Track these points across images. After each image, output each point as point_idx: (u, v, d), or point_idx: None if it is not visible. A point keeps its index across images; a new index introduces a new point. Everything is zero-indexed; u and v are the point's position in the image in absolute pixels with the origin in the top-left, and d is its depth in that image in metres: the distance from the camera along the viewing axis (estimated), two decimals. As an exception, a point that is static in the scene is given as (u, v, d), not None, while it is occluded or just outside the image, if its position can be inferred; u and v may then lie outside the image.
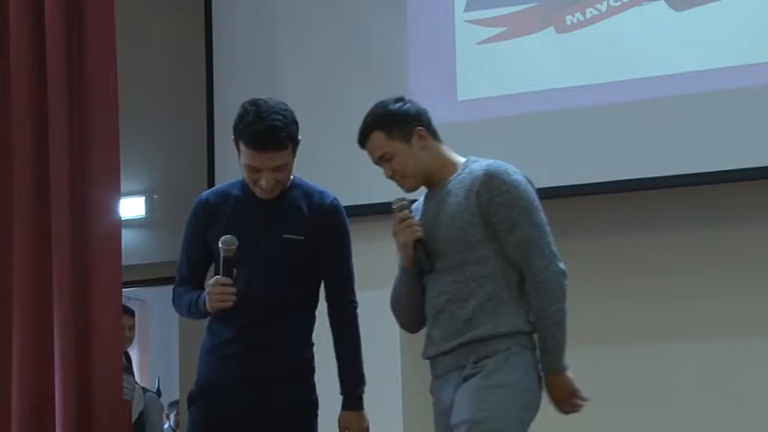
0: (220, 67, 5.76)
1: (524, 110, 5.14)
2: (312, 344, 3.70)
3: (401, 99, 3.48)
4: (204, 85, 5.84)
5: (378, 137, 3.42)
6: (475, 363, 3.28)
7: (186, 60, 6.16)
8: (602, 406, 5.07)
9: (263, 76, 5.59)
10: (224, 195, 3.71)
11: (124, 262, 4.82)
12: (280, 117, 3.52)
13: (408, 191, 3.47)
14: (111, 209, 4.82)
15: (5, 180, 4.84)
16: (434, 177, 3.44)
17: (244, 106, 3.57)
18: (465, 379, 3.28)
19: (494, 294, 3.31)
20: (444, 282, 3.36)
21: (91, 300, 4.77)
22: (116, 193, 4.85)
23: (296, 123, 3.58)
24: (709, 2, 4.89)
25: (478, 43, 5.25)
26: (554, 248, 3.33)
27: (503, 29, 5.23)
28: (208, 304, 3.52)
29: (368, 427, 3.64)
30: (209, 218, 3.67)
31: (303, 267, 3.62)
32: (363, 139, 3.45)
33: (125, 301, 5.34)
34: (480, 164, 3.40)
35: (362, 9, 5.52)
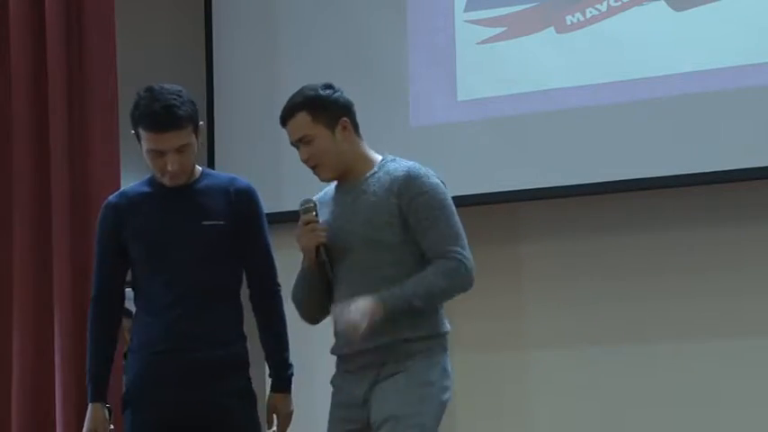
0: (220, 67, 5.75)
1: (524, 110, 5.13)
2: (245, 337, 3.69)
3: (330, 86, 3.47)
4: (204, 85, 5.84)
5: (302, 118, 3.40)
6: (395, 362, 3.30)
7: (186, 60, 6.15)
8: (602, 406, 5.08)
9: (263, 76, 5.59)
10: (133, 195, 3.70)
11: (124, 262, 4.81)
12: (174, 96, 3.53)
13: (323, 179, 3.45)
14: (112, 209, 4.81)
15: (5, 180, 4.85)
16: (350, 171, 3.43)
17: (138, 93, 3.59)
18: (384, 377, 3.31)
19: None
20: (357, 281, 3.35)
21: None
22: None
23: (193, 104, 3.57)
24: (710, 2, 4.88)
25: (478, 43, 5.24)
26: (466, 248, 3.35)
27: (503, 29, 5.22)
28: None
29: (292, 411, 3.66)
30: (121, 220, 3.65)
31: (225, 252, 3.61)
32: (287, 117, 3.42)
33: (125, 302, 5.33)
34: (399, 164, 3.42)
35: (362, 9, 5.51)
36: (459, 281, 3.32)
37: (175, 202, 3.61)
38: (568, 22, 5.12)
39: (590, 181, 5.01)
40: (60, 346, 4.68)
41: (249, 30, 5.74)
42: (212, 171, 3.72)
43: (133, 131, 3.62)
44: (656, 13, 4.96)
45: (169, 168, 3.53)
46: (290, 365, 3.70)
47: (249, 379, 3.68)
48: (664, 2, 4.96)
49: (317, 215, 3.42)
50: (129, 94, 5.29)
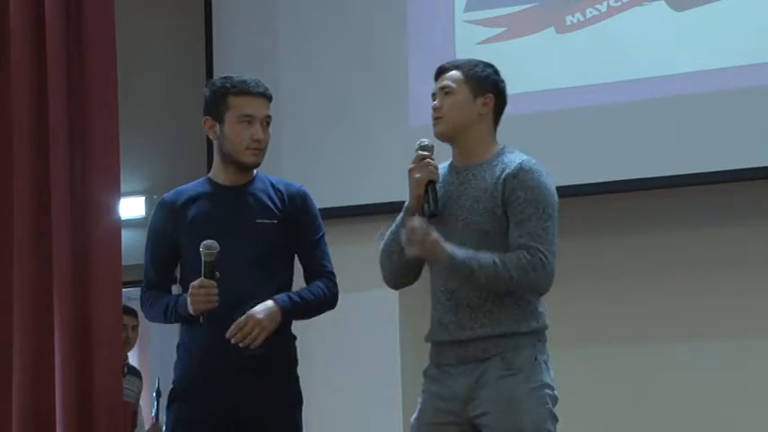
0: (220, 67, 5.75)
1: (524, 110, 5.12)
2: (294, 336, 3.70)
3: (498, 73, 3.55)
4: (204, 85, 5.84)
5: (456, 73, 3.50)
6: (501, 359, 3.30)
7: (186, 60, 6.16)
8: (602, 405, 5.08)
9: (263, 77, 5.51)
10: (188, 193, 3.72)
11: (124, 262, 4.82)
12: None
13: (437, 133, 3.44)
14: (111, 209, 4.82)
15: (5, 180, 4.84)
16: (464, 147, 3.45)
17: (213, 82, 3.73)
18: (495, 377, 3.29)
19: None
20: None
21: (91, 300, 4.77)
22: (116, 193, 4.86)
23: None
24: (710, 2, 4.89)
25: (478, 43, 5.24)
26: (553, 253, 3.31)
27: (503, 29, 5.23)
28: (191, 306, 3.49)
29: (264, 325, 3.50)
30: (175, 216, 3.67)
31: (277, 251, 3.63)
32: (446, 70, 3.52)
33: (125, 302, 5.33)
34: (515, 156, 3.45)
35: (362, 9, 5.51)
36: (533, 278, 3.29)
37: (231, 200, 3.66)
38: (568, 23, 5.12)
39: (590, 181, 5.01)
40: (60, 346, 4.68)
41: (249, 30, 5.74)
42: (266, 175, 3.76)
43: (207, 116, 3.67)
44: (656, 13, 4.96)
45: (258, 137, 3.61)
46: (301, 308, 3.60)
47: (297, 379, 3.69)
48: (664, 2, 4.96)
49: (432, 157, 3.41)
50: (129, 94, 5.32)
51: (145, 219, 6.34)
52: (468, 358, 3.33)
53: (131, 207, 6.22)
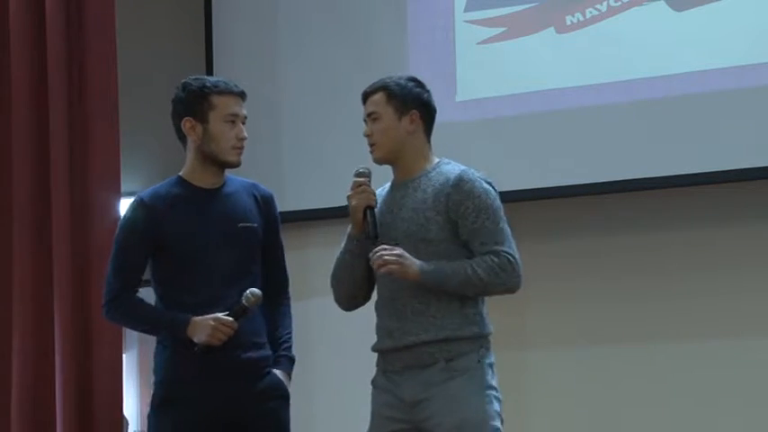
0: (220, 67, 5.75)
1: (524, 110, 5.13)
2: None
3: (420, 84, 3.57)
4: (204, 85, 5.83)
5: (379, 96, 3.50)
6: (446, 362, 3.33)
7: (186, 60, 6.15)
8: (602, 405, 5.08)
9: (263, 77, 5.59)
10: (166, 195, 3.69)
11: (124, 262, 4.81)
12: None
13: (375, 160, 3.52)
14: (111, 209, 4.83)
15: (5, 180, 4.85)
16: (403, 165, 3.51)
17: (188, 83, 3.69)
18: (441, 380, 3.33)
19: (455, 295, 3.37)
20: None
21: (91, 300, 4.78)
22: (116, 193, 4.86)
23: None
24: (710, 2, 4.89)
25: (478, 43, 5.24)
26: (516, 251, 3.42)
27: (503, 29, 5.22)
28: (202, 335, 3.49)
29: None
30: (156, 221, 3.63)
31: (256, 254, 3.67)
32: (369, 93, 3.53)
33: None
34: (453, 167, 3.49)
35: (362, 9, 5.51)
36: (504, 278, 3.37)
37: (210, 204, 3.66)
38: (568, 23, 5.12)
39: (589, 181, 5.01)
40: (60, 346, 4.69)
41: (249, 30, 5.74)
42: (233, 176, 3.75)
43: (188, 117, 3.68)
44: (656, 13, 4.96)
45: (242, 135, 3.64)
46: (294, 356, 3.74)
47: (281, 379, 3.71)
48: (664, 2, 4.96)
49: (369, 182, 3.47)
50: (129, 94, 5.32)
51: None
52: (414, 363, 3.38)
53: (131, 207, 6.22)
